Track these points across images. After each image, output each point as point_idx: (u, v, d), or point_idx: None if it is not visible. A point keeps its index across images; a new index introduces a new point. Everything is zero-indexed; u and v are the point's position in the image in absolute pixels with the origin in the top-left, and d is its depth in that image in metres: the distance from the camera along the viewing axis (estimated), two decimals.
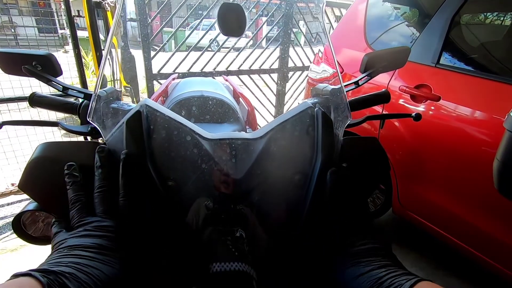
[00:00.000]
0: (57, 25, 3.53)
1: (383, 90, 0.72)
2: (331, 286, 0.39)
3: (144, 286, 0.42)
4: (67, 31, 2.11)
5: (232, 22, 0.54)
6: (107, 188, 0.40)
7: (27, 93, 2.13)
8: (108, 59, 0.73)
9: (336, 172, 0.45)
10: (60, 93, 0.63)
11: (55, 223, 0.40)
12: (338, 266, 0.39)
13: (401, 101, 1.52)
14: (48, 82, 0.61)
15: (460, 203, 1.32)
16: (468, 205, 1.29)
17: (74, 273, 0.29)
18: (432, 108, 1.37)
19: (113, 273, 0.32)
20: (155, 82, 2.40)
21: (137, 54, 1.99)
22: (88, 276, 0.30)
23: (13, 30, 3.61)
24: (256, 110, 1.74)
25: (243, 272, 0.42)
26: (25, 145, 2.28)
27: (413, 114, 0.69)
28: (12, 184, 2.26)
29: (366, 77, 0.68)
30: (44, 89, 2.22)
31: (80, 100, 0.67)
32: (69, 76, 2.38)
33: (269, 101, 3.14)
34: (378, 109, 1.63)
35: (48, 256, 0.32)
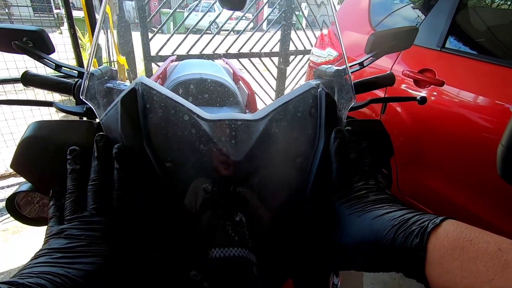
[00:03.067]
0: (52, 4, 3.43)
1: (388, 72, 0.70)
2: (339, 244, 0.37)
3: (141, 272, 0.41)
4: (63, 11, 2.04)
5: None
6: (101, 183, 0.38)
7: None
8: (103, 35, 0.70)
9: (341, 131, 0.44)
10: (56, 73, 0.61)
11: (52, 207, 0.39)
12: (348, 216, 0.37)
13: (403, 86, 1.49)
14: (39, 59, 0.58)
15: (460, 190, 1.32)
16: (468, 192, 1.29)
17: (43, 283, 0.28)
18: (435, 93, 1.35)
19: (88, 277, 0.31)
20: (153, 64, 2.35)
21: (135, 36, 1.94)
22: (58, 286, 0.29)
23: (7, 10, 3.51)
24: (256, 94, 1.71)
25: (243, 257, 0.41)
26: (22, 127, 2.25)
27: (418, 97, 0.67)
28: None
29: (372, 58, 0.65)
30: (42, 71, 2.18)
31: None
32: (65, 58, 2.33)
33: (269, 85, 3.09)
34: (381, 93, 1.60)
35: (30, 259, 0.32)
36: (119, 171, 0.39)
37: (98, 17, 0.55)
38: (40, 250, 0.33)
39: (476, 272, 0.23)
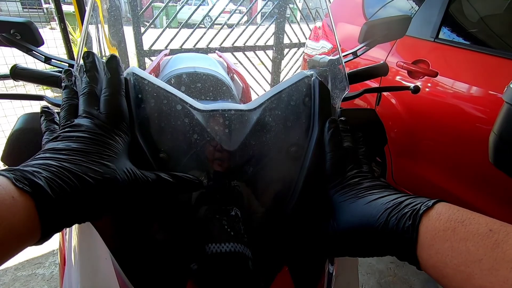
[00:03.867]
0: None
1: (381, 62, 0.70)
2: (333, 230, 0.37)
3: (139, 266, 0.41)
4: (52, 6, 2.00)
5: None
6: (92, 90, 0.38)
7: None
8: (94, 29, 0.69)
9: (334, 120, 0.44)
10: (47, 67, 0.60)
11: (44, 122, 0.38)
12: (341, 203, 0.36)
13: (398, 78, 1.49)
14: (28, 51, 0.57)
15: (454, 179, 1.33)
16: (462, 182, 1.31)
17: (40, 171, 0.28)
18: (429, 84, 1.36)
19: (85, 171, 0.30)
20: (146, 59, 2.32)
21: (127, 30, 1.91)
22: (54, 174, 0.28)
23: None
24: (251, 87, 1.71)
25: (239, 252, 0.41)
26: (12, 118, 2.22)
27: (412, 86, 0.67)
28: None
29: (365, 47, 0.65)
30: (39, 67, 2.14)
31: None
32: (56, 53, 2.30)
33: (264, 78, 3.08)
34: (375, 84, 1.61)
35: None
36: (108, 76, 0.39)
37: (87, 8, 0.54)
38: (37, 153, 0.32)
39: (466, 252, 0.23)
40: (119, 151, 0.35)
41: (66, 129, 0.34)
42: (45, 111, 0.39)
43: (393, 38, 0.69)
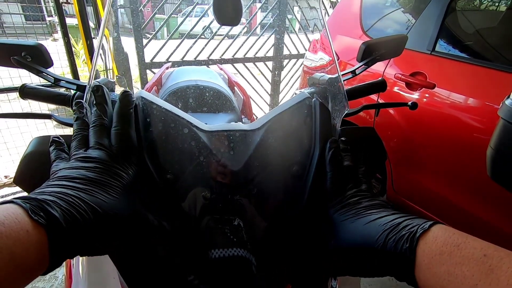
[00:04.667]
0: (45, 12, 3.42)
1: (380, 79, 0.72)
2: (334, 246, 0.38)
3: (142, 277, 0.42)
4: (55, 18, 2.04)
5: (228, 11, 0.53)
6: (102, 123, 0.40)
7: (16, 83, 2.09)
8: (101, 49, 0.71)
9: (335, 141, 0.45)
10: (51, 84, 0.62)
11: (54, 151, 0.39)
12: (342, 222, 0.37)
13: (396, 89, 1.52)
14: (38, 73, 0.59)
15: (453, 189, 1.34)
16: (461, 192, 1.32)
17: (56, 201, 0.28)
18: (427, 95, 1.38)
19: (99, 203, 0.31)
20: (148, 71, 2.35)
21: (129, 42, 1.95)
22: (70, 204, 0.29)
23: None
24: (251, 99, 1.73)
25: (242, 257, 0.42)
26: (16, 136, 2.24)
27: (409, 103, 0.69)
28: (5, 177, 2.24)
29: (363, 66, 0.67)
30: (34, 79, 2.17)
31: (72, 91, 0.66)
32: (59, 66, 2.33)
33: (264, 89, 3.11)
34: (374, 97, 1.63)
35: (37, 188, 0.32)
36: (117, 111, 0.40)
37: (96, 29, 0.56)
38: (48, 181, 0.33)
39: (462, 277, 0.24)
40: (128, 183, 0.37)
41: (79, 158, 0.35)
42: (55, 141, 0.41)
43: (390, 56, 0.71)
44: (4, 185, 2.23)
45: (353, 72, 0.67)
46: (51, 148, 0.40)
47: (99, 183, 0.33)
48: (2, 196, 2.16)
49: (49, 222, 0.27)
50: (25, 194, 0.31)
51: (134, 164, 0.39)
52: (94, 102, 0.41)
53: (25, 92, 0.64)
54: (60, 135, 0.42)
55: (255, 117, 1.78)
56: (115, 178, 0.35)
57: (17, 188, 2.17)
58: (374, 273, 0.34)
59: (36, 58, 0.60)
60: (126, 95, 0.41)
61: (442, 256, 0.26)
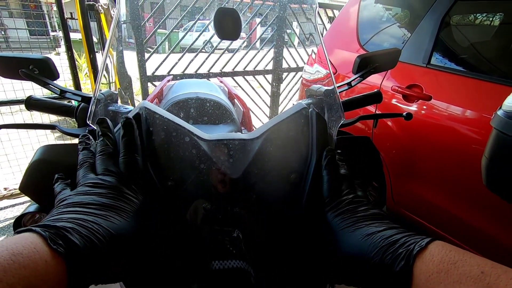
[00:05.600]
0: (49, 27, 3.50)
1: (376, 90, 0.74)
2: (332, 257, 0.38)
3: (145, 285, 0.43)
4: (59, 33, 2.09)
5: (228, 27, 0.56)
6: (109, 151, 0.41)
7: (20, 96, 2.12)
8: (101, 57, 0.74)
9: (331, 150, 0.46)
10: (55, 95, 0.64)
11: (59, 180, 0.40)
12: (341, 231, 0.37)
13: (393, 101, 1.55)
14: (45, 85, 0.61)
15: (451, 199, 1.35)
16: (459, 202, 1.32)
17: (75, 227, 0.29)
18: (424, 107, 1.40)
19: (115, 228, 0.32)
20: (149, 84, 2.39)
21: (131, 56, 1.99)
22: (89, 230, 0.29)
23: (3, 33, 3.58)
24: (251, 111, 1.76)
25: (241, 269, 0.43)
26: (18, 148, 2.25)
27: (404, 113, 0.71)
28: (5, 189, 2.23)
29: (359, 78, 0.70)
30: (37, 93, 2.20)
31: (76, 102, 0.68)
32: (62, 79, 2.37)
33: (264, 101, 3.15)
34: (371, 108, 1.66)
35: (49, 214, 0.32)
36: (124, 138, 0.41)
37: (99, 43, 0.59)
38: (57, 208, 0.33)
39: None
40: (138, 207, 0.38)
41: (89, 184, 0.36)
42: (60, 178, 0.41)
43: (385, 69, 0.74)
44: (4, 197, 2.23)
45: (349, 84, 0.69)
46: (56, 184, 0.41)
47: (113, 208, 0.34)
48: (1, 208, 2.16)
49: (68, 250, 0.27)
50: (26, 204, 0.32)
51: (141, 188, 0.41)
52: (100, 133, 0.43)
53: (31, 103, 0.66)
54: (68, 143, 0.44)
55: (254, 129, 1.80)
56: (126, 202, 0.36)
57: (17, 200, 2.16)
58: (370, 285, 0.34)
59: (43, 71, 0.62)
60: (127, 122, 0.43)
61: (439, 274, 0.26)
